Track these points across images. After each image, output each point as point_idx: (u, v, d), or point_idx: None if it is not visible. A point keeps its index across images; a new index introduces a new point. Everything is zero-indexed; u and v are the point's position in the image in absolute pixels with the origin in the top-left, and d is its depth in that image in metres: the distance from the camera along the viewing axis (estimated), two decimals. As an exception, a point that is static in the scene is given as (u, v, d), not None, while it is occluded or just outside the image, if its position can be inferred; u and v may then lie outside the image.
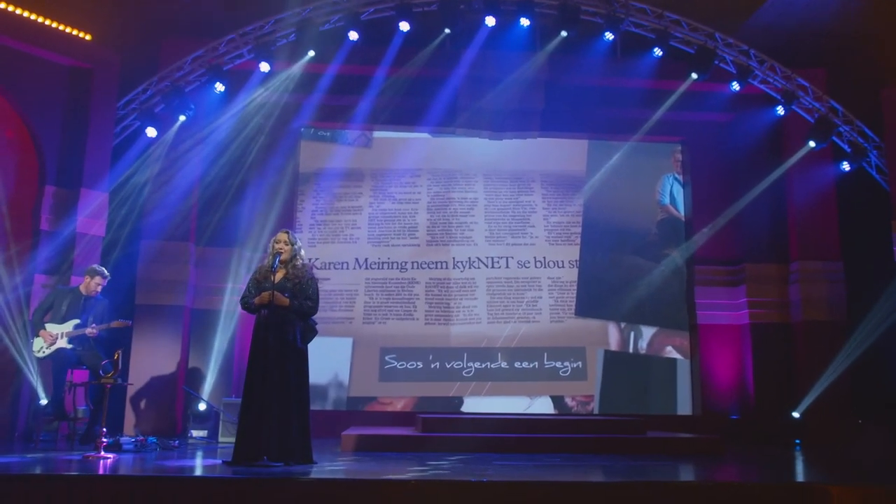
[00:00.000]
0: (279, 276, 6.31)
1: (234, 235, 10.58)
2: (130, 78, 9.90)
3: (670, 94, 11.31)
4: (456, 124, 11.37)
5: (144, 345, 9.75)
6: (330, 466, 6.11)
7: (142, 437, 7.51)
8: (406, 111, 11.16)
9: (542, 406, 11.14)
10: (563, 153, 11.88)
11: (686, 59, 10.89)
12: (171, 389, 9.73)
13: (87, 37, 9.55)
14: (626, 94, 11.31)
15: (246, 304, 6.30)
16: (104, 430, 6.54)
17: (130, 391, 9.51)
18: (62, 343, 7.56)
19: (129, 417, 9.54)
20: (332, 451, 7.66)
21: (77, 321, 7.64)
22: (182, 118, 10.00)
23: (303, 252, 6.53)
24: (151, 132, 9.91)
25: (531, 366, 11.26)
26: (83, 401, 8.01)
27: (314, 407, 10.94)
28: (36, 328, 7.62)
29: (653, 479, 5.51)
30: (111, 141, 9.61)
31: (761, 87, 11.11)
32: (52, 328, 7.60)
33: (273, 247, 6.39)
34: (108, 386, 6.69)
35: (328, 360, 11.02)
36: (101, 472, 5.35)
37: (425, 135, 11.71)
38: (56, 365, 7.52)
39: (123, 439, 7.31)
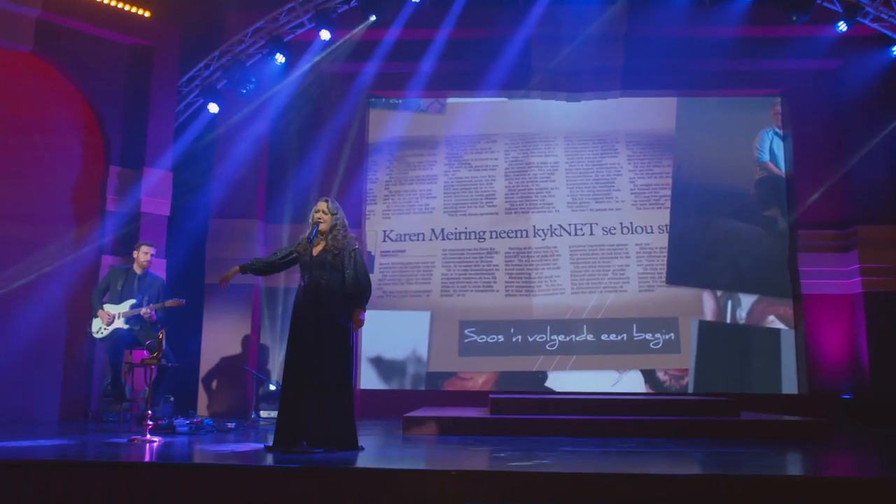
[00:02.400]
0: (318, 248, 5.60)
1: (303, 211, 9.99)
2: (192, 53, 9.39)
3: (766, 42, 9.96)
4: (530, 87, 10.36)
5: (215, 325, 9.33)
6: (375, 453, 5.39)
7: (197, 419, 7.04)
8: (476, 75, 10.17)
9: (632, 380, 10.15)
10: (649, 111, 10.70)
11: (782, 1, 9.47)
12: (242, 369, 9.30)
13: (147, 14, 9.08)
14: (715, 45, 9.98)
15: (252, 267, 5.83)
16: (150, 412, 6.08)
17: (202, 371, 9.15)
18: (119, 323, 7.17)
19: (203, 398, 9.17)
20: (395, 435, 7.02)
21: (133, 301, 7.24)
22: (244, 92, 9.45)
23: (346, 222, 5.76)
24: (213, 108, 9.39)
25: (619, 338, 10.26)
26: (144, 382, 7.64)
27: (392, 384, 10.49)
28: (94, 309, 7.27)
29: (742, 472, 4.49)
30: (173, 118, 9.15)
31: (873, 25, 9.53)
32: (109, 308, 7.22)
33: (312, 216, 5.69)
34: (154, 367, 6.22)
35: (406, 335, 10.37)
36: (122, 458, 4.80)
37: (500, 98, 10.79)
38: (112, 346, 7.13)
39: (178, 421, 6.87)
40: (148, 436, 5.92)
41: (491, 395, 7.55)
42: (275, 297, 9.80)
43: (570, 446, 5.98)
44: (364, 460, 4.96)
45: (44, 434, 6.38)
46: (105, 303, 7.29)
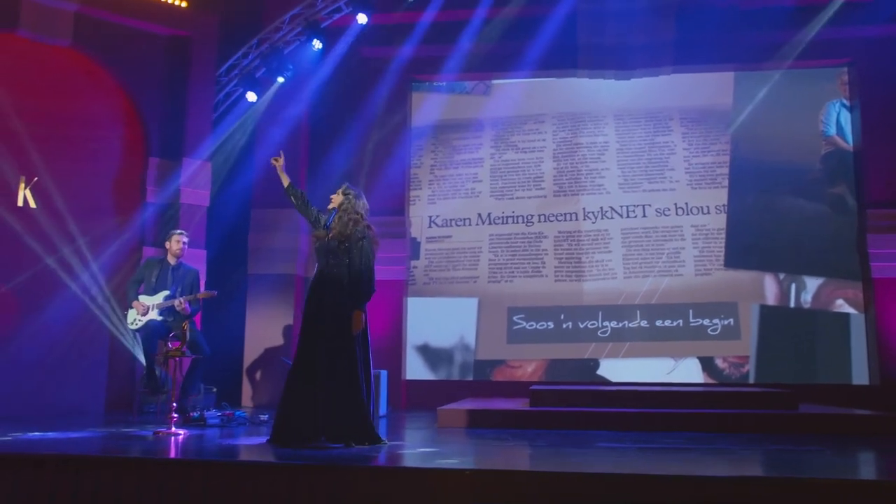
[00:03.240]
0: (328, 236, 5.34)
1: (347, 199, 9.76)
2: (230, 43, 9.20)
3: (831, 9, 9.21)
4: (577, 66, 9.86)
5: (258, 315, 9.20)
6: (395, 449, 5.07)
7: (230, 411, 6.88)
8: (519, 55, 9.70)
9: (689, 368, 9.61)
10: (704, 87, 10.05)
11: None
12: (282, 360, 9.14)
13: (184, 3, 8.93)
14: (775, 14, 9.34)
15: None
16: (174, 405, 5.92)
17: (246, 362, 9.04)
18: (153, 314, 7.04)
19: (246, 389, 9.06)
20: (431, 428, 6.72)
21: (167, 292, 7.10)
22: (281, 80, 9.22)
23: (360, 205, 5.41)
24: (251, 97, 9.20)
25: (675, 324, 9.72)
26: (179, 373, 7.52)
27: (439, 373, 10.17)
28: (129, 300, 7.17)
29: (787, 472, 4.04)
30: (212, 108, 9.00)
31: (949, -14, 8.74)
32: (144, 299, 7.11)
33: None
34: (177, 359, 6.06)
35: (453, 322, 10.04)
36: (121, 453, 4.60)
37: (546, 78, 10.31)
38: (145, 337, 7.01)
39: (209, 413, 6.71)
40: (173, 429, 5.77)
41: (531, 387, 7.18)
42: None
43: (607, 441, 5.59)
44: (377, 456, 4.64)
45: (76, 426, 6.30)
46: (141, 293, 7.19)
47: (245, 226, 9.40)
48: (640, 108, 10.14)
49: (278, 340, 9.16)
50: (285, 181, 5.65)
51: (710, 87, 10.03)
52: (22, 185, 7.99)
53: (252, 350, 9.15)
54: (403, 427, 7.03)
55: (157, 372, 7.03)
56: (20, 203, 7.96)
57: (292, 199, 5.63)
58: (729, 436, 6.08)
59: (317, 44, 9.12)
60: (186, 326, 6.15)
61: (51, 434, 5.66)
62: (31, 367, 7.65)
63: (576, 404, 6.86)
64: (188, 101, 8.74)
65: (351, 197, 5.39)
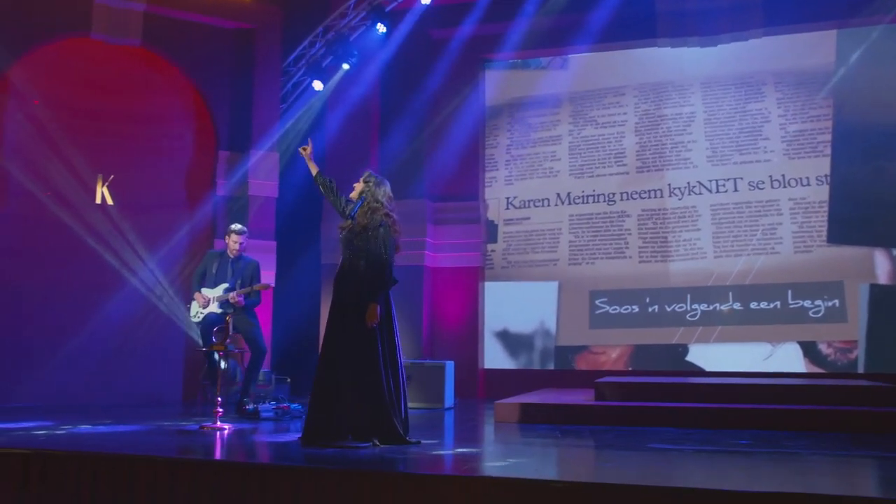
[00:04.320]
0: (347, 227, 5.04)
1: (420, 185, 9.47)
2: (296, 32, 9.08)
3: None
4: (656, 34, 9.13)
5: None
6: (424, 449, 4.73)
7: (285, 404, 6.76)
8: (591, 27, 9.10)
9: (788, 353, 8.78)
10: (801, 47, 9.08)
11: None
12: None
13: (248, -4, 8.90)
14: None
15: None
16: (219, 399, 5.84)
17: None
18: (213, 307, 6.99)
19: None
20: (488, 422, 6.38)
21: (226, 285, 7.05)
22: (347, 67, 9.02)
23: (381, 193, 5.06)
24: (318, 86, 9.04)
25: (772, 306, 8.90)
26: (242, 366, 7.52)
27: (519, 360, 9.75)
28: (192, 292, 7.17)
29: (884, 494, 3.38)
30: (278, 99, 8.92)
31: None
32: (206, 292, 7.08)
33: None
34: (220, 353, 5.96)
35: (533, 307, 9.60)
36: (166, 453, 4.50)
37: (625, 50, 9.62)
38: (204, 329, 6.99)
39: (263, 406, 6.61)
40: (218, 423, 5.69)
41: (596, 381, 6.68)
42: (401, 276, 9.35)
43: (664, 442, 5.06)
44: (390, 458, 4.33)
45: (132, 418, 6.35)
46: (204, 286, 7.18)
47: (314, 215, 9.29)
48: (728, 74, 9.30)
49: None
50: (314, 170, 5.40)
51: (807, 47, 9.06)
52: (99, 183, 8.18)
53: (326, 340, 9.07)
54: (462, 421, 6.72)
55: (224, 364, 7.02)
56: (98, 200, 8.15)
57: (321, 187, 5.38)
58: (813, 436, 5.40)
59: (381, 28, 8.84)
60: (230, 321, 6.04)
61: (101, 427, 5.70)
62: (110, 357, 7.86)
63: (642, 399, 6.32)
64: (254, 93, 8.70)
65: (371, 185, 5.07)
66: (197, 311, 7.10)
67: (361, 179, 5.11)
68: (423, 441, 4.92)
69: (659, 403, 6.14)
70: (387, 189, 5.12)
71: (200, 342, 7.06)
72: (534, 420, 6.19)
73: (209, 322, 6.92)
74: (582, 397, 6.68)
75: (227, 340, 5.93)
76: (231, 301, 6.89)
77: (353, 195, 5.10)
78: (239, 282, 7.07)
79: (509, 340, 9.61)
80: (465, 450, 4.81)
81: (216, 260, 7.16)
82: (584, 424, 6.01)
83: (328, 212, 9.35)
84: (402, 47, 9.17)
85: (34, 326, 7.77)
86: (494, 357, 9.58)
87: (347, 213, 5.07)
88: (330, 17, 9.09)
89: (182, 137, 8.62)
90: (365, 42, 9.15)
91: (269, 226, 8.56)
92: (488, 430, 5.97)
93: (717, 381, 6.62)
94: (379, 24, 8.83)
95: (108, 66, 8.36)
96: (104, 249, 8.03)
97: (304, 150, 5.41)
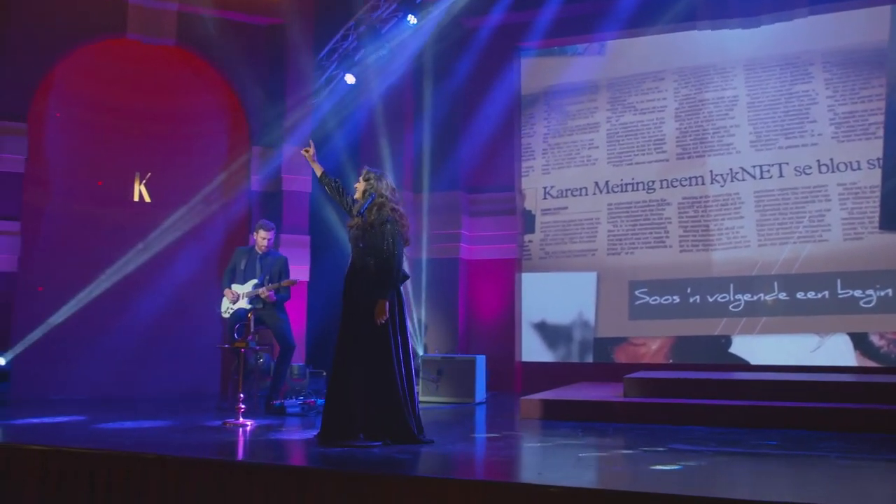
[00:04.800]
0: (357, 221, 4.99)
1: (455, 177, 9.36)
2: (329, 26, 9.02)
3: None
4: (695, 17, 8.78)
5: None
6: (437, 448, 4.64)
7: (312, 399, 6.77)
8: (627, 13, 8.81)
9: (837, 345, 8.39)
10: (851, 24, 8.60)
11: None
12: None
13: (279, -8, 8.89)
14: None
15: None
16: (241, 395, 5.87)
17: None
18: (242, 303, 7.05)
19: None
20: (515, 419, 6.28)
21: (255, 281, 7.09)
22: (379, 58, 8.93)
23: (383, 186, 4.99)
24: (350, 79, 8.98)
25: (819, 296, 8.51)
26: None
27: (558, 352, 9.54)
28: (222, 288, 7.23)
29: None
30: (310, 93, 8.89)
31: None
32: (236, 288, 7.14)
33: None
34: (242, 350, 5.98)
35: (571, 298, 9.40)
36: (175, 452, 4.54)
37: (663, 35, 9.29)
38: (231, 325, 7.04)
39: (289, 402, 6.63)
40: (241, 419, 5.72)
41: (625, 376, 6.48)
42: (437, 269, 9.31)
43: (685, 442, 4.87)
44: (397, 458, 4.26)
45: (163, 414, 6.46)
46: (234, 282, 7.23)
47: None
48: (773, 55, 8.89)
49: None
50: (318, 170, 5.37)
51: (858, 24, 8.58)
52: (136, 181, 8.32)
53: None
54: (489, 417, 6.63)
55: (260, 360, 7.08)
56: (136, 198, 8.29)
57: (326, 188, 5.35)
58: (849, 437, 5.12)
59: (412, 19, 8.72)
60: (251, 318, 6.07)
61: (129, 423, 5.79)
62: (151, 351, 8.01)
63: (671, 395, 6.11)
64: (286, 88, 8.71)
65: (373, 180, 5.01)
66: (227, 307, 7.17)
67: (361, 178, 5.05)
68: (435, 440, 4.86)
69: (687, 400, 5.94)
70: (389, 182, 5.07)
71: (235, 337, 7.13)
72: (558, 417, 6.06)
73: (237, 318, 6.97)
74: (613, 393, 6.50)
75: (250, 337, 5.95)
76: (261, 296, 6.92)
77: (357, 195, 5.05)
78: (267, 278, 7.10)
79: (547, 332, 9.44)
80: (471, 450, 4.72)
81: (245, 256, 7.21)
82: (609, 422, 5.86)
83: (363, 204, 9.33)
84: (434, 37, 9.04)
85: (80, 321, 7.95)
86: (532, 349, 9.42)
87: (356, 211, 5.01)
88: (362, 10, 9.01)
89: (217, 134, 8.71)
90: (397, 33, 9.04)
91: (303, 220, 8.58)
92: (509, 427, 5.85)
93: (750, 377, 6.33)
94: (410, 15, 8.71)
95: (145, 65, 8.47)
96: (143, 245, 8.16)
97: (307, 151, 5.39)
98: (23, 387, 7.50)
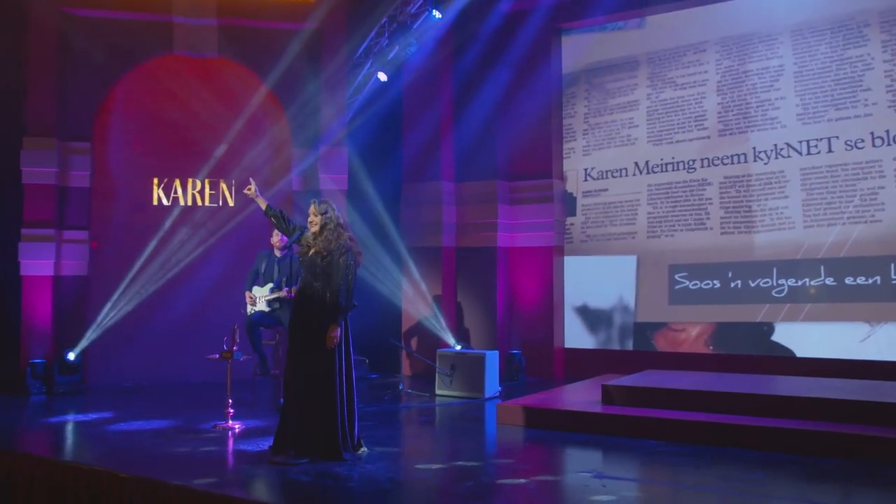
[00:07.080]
0: (312, 250, 5.14)
1: (493, 166, 9.22)
2: (362, 26, 9.04)
3: None
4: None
5: (411, 286, 9.24)
6: (351, 468, 4.75)
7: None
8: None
9: (890, 335, 7.61)
10: (910, -25, 7.53)
11: None
12: (432, 329, 9.11)
13: (311, -1, 9.00)
14: None
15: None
16: (230, 400, 6.27)
17: (404, 333, 9.19)
18: (261, 305, 7.44)
19: (405, 359, 9.24)
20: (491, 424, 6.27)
21: (272, 284, 7.44)
22: (413, 51, 8.88)
23: (336, 214, 5.13)
24: (382, 76, 8.99)
25: (870, 281, 7.72)
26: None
27: (598, 336, 9.36)
28: (244, 292, 7.62)
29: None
30: (345, 93, 8.99)
31: None
32: (256, 290, 7.54)
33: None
34: (228, 361, 6.35)
35: (611, 282, 9.12)
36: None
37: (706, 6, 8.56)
38: (248, 325, 7.43)
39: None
40: (230, 423, 6.11)
41: (602, 383, 6.25)
42: (473, 258, 9.33)
43: (668, 455, 4.68)
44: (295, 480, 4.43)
45: (174, 413, 6.96)
46: (256, 285, 7.63)
47: (389, 202, 9.42)
48: (822, 17, 7.97)
49: (428, 310, 9.17)
50: (262, 204, 5.57)
51: (917, -23, 7.49)
52: (189, 186, 8.93)
53: (406, 321, 9.29)
54: (466, 419, 6.65)
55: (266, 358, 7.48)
56: (189, 202, 8.92)
57: (272, 220, 5.54)
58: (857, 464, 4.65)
59: (437, 13, 8.57)
60: (236, 328, 6.42)
61: (136, 423, 6.37)
62: (188, 343, 8.61)
63: (651, 405, 5.84)
64: (322, 90, 8.87)
65: (331, 210, 5.16)
66: (251, 310, 7.61)
67: (315, 209, 5.16)
68: (377, 449, 5.04)
69: (666, 414, 5.63)
70: (335, 206, 5.20)
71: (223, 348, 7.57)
72: (538, 425, 5.98)
73: (254, 319, 7.40)
74: (591, 399, 6.31)
75: (235, 348, 6.33)
76: (285, 296, 7.28)
77: (315, 230, 5.16)
78: (284, 279, 7.43)
79: (588, 316, 9.23)
80: (385, 470, 4.80)
81: (265, 259, 7.57)
82: (589, 433, 5.68)
83: (407, 197, 9.46)
84: (472, 27, 8.90)
85: (138, 315, 8.70)
86: (572, 335, 9.26)
87: (304, 239, 5.18)
88: (393, 6, 8.98)
89: (260, 139, 9.08)
90: (427, 27, 8.94)
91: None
92: (478, 435, 5.86)
93: (746, 392, 5.85)
94: (434, 10, 8.57)
95: (193, 79, 8.95)
96: (195, 247, 8.79)
97: (249, 189, 5.58)
98: (94, 377, 8.46)
